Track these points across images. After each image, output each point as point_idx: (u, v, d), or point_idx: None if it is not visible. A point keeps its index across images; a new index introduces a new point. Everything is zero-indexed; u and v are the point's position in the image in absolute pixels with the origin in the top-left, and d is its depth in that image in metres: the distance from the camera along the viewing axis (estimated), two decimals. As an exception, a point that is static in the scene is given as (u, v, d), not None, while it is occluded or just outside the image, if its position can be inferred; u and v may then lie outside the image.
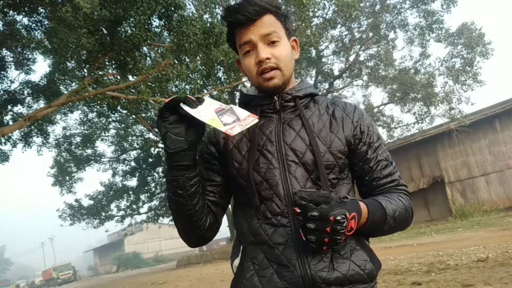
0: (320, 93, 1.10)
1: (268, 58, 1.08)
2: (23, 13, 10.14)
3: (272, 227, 1.05)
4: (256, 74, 1.10)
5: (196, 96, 1.02)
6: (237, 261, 1.12)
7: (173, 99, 0.98)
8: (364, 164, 1.13)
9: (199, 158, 1.19)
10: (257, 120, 1.01)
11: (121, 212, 23.50)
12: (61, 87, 12.61)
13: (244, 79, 13.81)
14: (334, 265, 1.01)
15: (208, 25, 10.43)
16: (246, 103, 1.20)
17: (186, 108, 0.97)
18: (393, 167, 1.16)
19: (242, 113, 1.03)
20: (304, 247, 1.00)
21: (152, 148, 21.82)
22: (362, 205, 0.99)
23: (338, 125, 1.12)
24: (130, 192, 23.31)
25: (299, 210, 0.89)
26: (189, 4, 16.36)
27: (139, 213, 24.22)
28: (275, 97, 1.14)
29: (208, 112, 0.99)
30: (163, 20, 9.90)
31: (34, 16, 10.29)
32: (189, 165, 1.02)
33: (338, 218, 0.87)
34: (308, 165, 1.06)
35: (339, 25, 18.38)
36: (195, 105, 0.98)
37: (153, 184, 23.62)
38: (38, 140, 15.31)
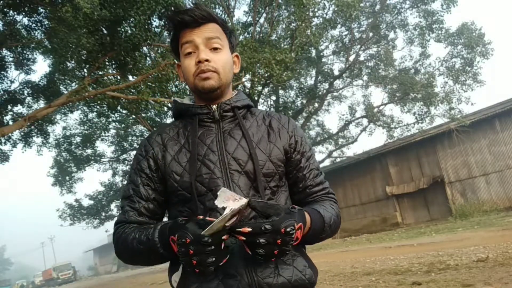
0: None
1: (207, 60, 1.08)
2: (23, 13, 10.14)
3: None
4: (193, 75, 1.10)
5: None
6: (176, 276, 1.09)
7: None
8: (298, 172, 1.18)
9: (140, 173, 1.14)
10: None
11: (121, 212, 23.48)
12: (61, 87, 12.62)
13: (244, 79, 13.81)
14: (279, 271, 1.03)
15: (208, 25, 10.41)
16: (182, 113, 1.19)
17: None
18: (323, 177, 1.23)
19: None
20: (249, 258, 0.99)
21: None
22: (307, 215, 1.03)
23: (275, 135, 1.16)
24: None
25: (249, 229, 0.89)
26: (189, 4, 16.34)
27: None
28: (214, 106, 1.14)
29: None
30: (163, 20, 9.89)
31: (34, 16, 10.30)
32: None
33: (288, 229, 0.90)
34: (250, 173, 1.08)
35: (339, 25, 18.35)
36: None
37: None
38: (38, 140, 15.34)
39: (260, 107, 19.99)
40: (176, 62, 1.21)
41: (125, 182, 23.65)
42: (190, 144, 1.12)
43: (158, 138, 1.16)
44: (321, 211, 1.10)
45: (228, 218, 0.87)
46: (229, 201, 0.89)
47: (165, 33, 11.41)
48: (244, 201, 0.88)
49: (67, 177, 21.04)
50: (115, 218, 1.16)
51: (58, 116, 16.28)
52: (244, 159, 1.09)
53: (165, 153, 1.13)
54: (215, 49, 1.11)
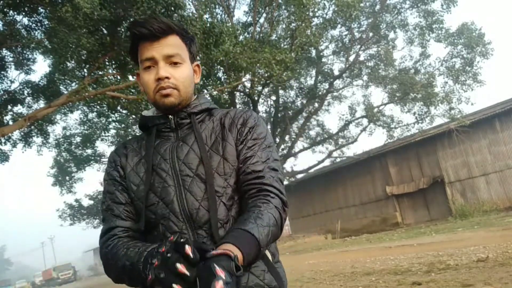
0: (217, 107, 1.25)
1: (167, 78, 1.07)
2: (23, 13, 10.14)
3: None
4: (153, 91, 1.09)
5: None
6: None
7: None
8: (239, 163, 1.12)
9: (113, 181, 1.14)
10: None
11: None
12: (61, 87, 12.62)
13: (244, 79, 13.81)
14: None
15: (208, 25, 10.43)
16: (144, 125, 1.19)
17: None
18: (270, 167, 1.12)
19: None
20: None
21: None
22: (235, 249, 0.83)
23: (226, 132, 1.12)
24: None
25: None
26: (189, 4, 16.28)
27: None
28: (170, 116, 1.14)
29: None
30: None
31: (34, 16, 10.30)
32: None
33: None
34: (202, 175, 1.06)
35: (339, 25, 18.36)
36: None
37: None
38: (38, 140, 15.32)
39: (260, 107, 20.01)
40: (136, 71, 1.20)
41: None
42: (147, 155, 1.13)
43: (124, 150, 1.19)
44: (256, 233, 0.90)
45: None
46: None
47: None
48: None
49: (67, 177, 21.05)
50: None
51: (58, 116, 16.27)
52: (195, 162, 1.07)
53: (126, 164, 1.15)
54: (175, 63, 1.09)
